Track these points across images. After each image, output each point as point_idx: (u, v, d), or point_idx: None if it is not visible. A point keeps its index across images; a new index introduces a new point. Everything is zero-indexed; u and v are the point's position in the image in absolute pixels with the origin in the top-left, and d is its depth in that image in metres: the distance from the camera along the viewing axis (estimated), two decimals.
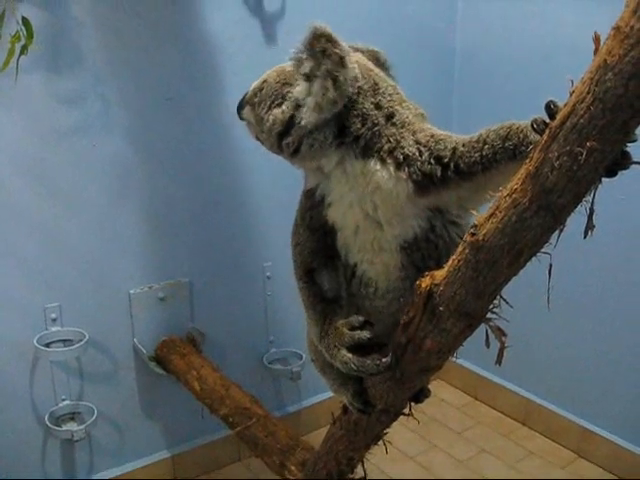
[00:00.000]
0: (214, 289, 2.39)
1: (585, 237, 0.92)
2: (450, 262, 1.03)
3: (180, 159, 2.22)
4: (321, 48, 1.06)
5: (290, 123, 1.12)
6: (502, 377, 2.87)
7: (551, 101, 0.92)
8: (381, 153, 1.09)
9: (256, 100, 1.19)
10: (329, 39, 1.06)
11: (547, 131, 0.90)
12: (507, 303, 1.06)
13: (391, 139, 1.09)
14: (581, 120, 0.85)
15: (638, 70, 0.80)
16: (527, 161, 0.92)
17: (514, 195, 0.93)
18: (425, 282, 1.07)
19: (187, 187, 2.25)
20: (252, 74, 2.23)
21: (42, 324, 2.11)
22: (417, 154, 1.07)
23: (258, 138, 1.23)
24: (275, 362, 2.54)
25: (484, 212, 0.98)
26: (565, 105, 0.88)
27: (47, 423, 2.10)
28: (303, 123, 1.10)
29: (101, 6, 2.02)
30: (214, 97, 2.23)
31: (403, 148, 1.08)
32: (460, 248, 1.01)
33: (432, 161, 1.06)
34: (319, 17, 2.30)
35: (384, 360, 1.11)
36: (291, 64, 1.15)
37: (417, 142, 1.08)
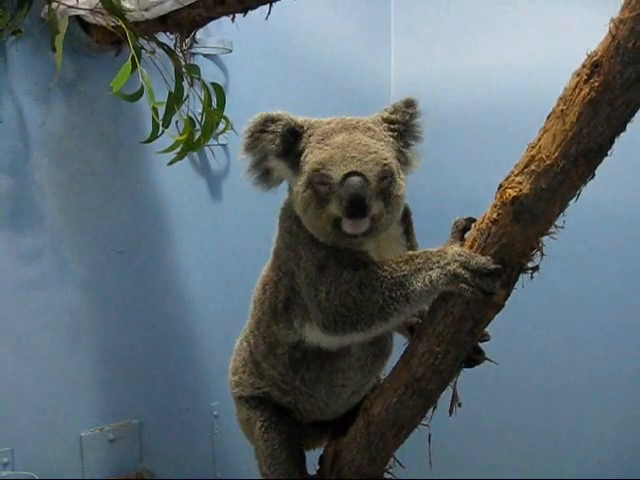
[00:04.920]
0: (163, 429, 2.60)
1: (450, 415, 1.20)
2: (349, 432, 1.30)
3: (131, 308, 2.48)
4: None
5: None
6: None
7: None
8: None
9: None
10: None
11: (415, 331, 1.19)
12: (400, 465, 1.32)
13: None
14: (438, 327, 1.14)
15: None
16: (402, 354, 1.21)
17: (393, 382, 1.21)
18: (331, 447, 1.34)
19: (137, 334, 2.51)
20: (198, 227, 2.58)
21: None
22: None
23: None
24: None
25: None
26: (428, 313, 1.17)
27: None
28: None
29: (60, 171, 2.31)
30: (162, 249, 2.52)
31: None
32: (357, 419, 1.28)
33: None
34: None
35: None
36: None
37: None
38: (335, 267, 1.24)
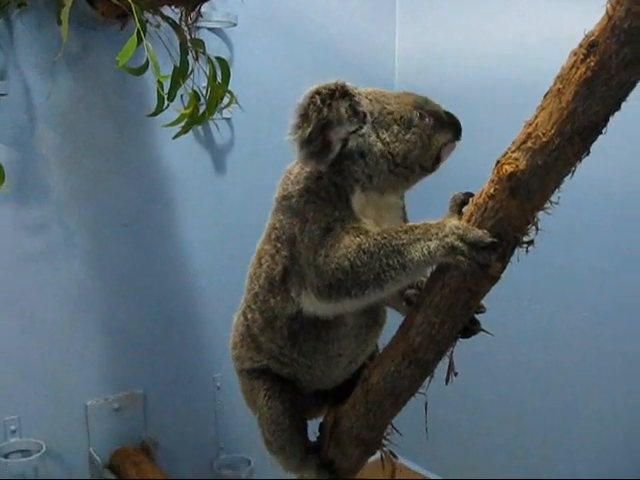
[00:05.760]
0: (167, 399, 2.67)
1: (447, 384, 1.25)
2: (348, 401, 1.35)
3: (135, 280, 2.54)
4: None
5: None
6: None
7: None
8: None
9: None
10: None
11: (414, 304, 1.23)
12: (398, 432, 1.37)
13: None
14: (435, 298, 1.19)
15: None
16: (401, 325, 1.25)
17: (391, 351, 1.26)
18: (331, 414, 1.39)
19: (142, 305, 2.56)
20: (202, 200, 2.62)
21: (1, 435, 2.35)
22: None
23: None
24: (225, 467, 2.80)
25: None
26: (426, 284, 1.22)
27: None
28: None
29: (66, 144, 2.35)
30: (167, 222, 2.57)
31: None
32: (356, 388, 1.33)
33: None
34: (265, 150, 2.68)
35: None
36: None
37: None
38: (339, 231, 1.28)
